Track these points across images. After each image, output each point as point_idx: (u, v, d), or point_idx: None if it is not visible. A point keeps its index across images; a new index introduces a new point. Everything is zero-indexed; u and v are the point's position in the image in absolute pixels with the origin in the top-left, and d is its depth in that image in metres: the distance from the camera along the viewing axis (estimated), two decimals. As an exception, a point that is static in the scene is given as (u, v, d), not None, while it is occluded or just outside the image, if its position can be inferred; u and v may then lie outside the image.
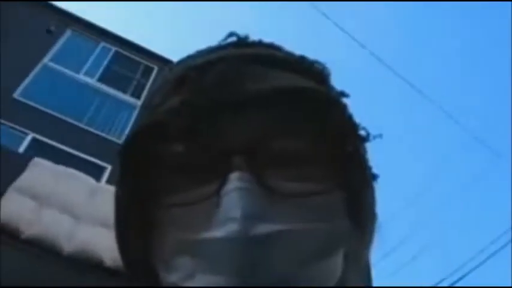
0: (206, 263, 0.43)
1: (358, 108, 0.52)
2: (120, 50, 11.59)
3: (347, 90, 0.55)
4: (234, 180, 0.44)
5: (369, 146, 0.54)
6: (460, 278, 9.21)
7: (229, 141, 0.46)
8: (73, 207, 4.08)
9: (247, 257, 0.41)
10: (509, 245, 9.19)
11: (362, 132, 0.52)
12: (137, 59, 11.65)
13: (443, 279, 9.29)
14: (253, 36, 0.58)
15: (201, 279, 0.43)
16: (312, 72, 0.54)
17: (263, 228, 0.41)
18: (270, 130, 0.47)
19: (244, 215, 0.41)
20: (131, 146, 0.49)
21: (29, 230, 3.64)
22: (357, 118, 0.51)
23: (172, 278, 0.46)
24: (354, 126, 0.50)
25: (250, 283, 0.41)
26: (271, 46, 0.57)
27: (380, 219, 0.54)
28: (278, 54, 0.54)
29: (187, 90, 0.48)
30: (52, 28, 10.70)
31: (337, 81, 0.57)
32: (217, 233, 0.42)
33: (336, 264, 0.47)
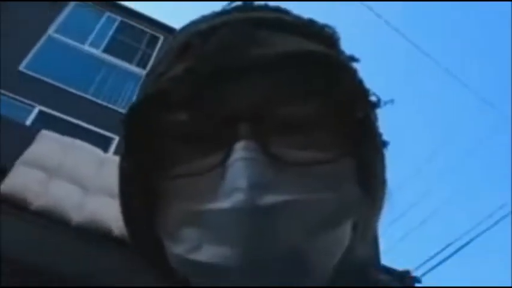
0: (212, 234, 0.43)
1: (366, 74, 0.50)
2: (125, 20, 11.51)
3: (356, 55, 0.53)
4: (239, 150, 0.43)
5: (378, 112, 0.53)
6: (467, 243, 9.26)
7: (233, 107, 0.45)
8: (81, 179, 4.11)
9: (253, 227, 0.40)
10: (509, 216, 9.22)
11: (373, 98, 0.51)
12: (143, 28, 11.58)
13: (449, 244, 9.35)
14: (259, 0, 0.56)
15: (207, 250, 0.43)
16: (321, 36, 0.52)
17: (269, 199, 0.41)
18: (276, 96, 0.46)
19: (250, 185, 0.41)
20: (135, 115, 0.48)
21: (37, 201, 3.67)
22: (367, 83, 0.50)
23: (178, 249, 0.46)
24: (364, 92, 0.49)
25: (257, 254, 0.40)
26: (278, 10, 0.55)
27: (389, 186, 0.53)
28: (285, 18, 0.53)
29: (191, 57, 0.47)
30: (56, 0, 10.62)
31: (346, 46, 0.55)
32: (223, 203, 0.42)
33: (345, 233, 0.46)
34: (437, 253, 9.24)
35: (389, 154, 0.53)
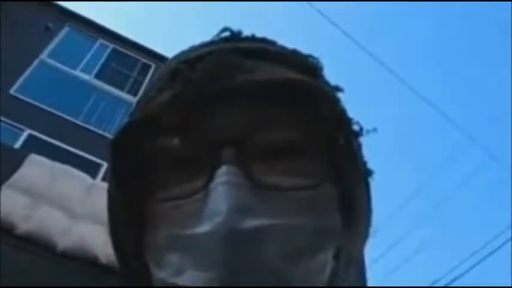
0: (194, 258, 0.43)
1: (354, 105, 0.52)
2: (118, 47, 11.57)
3: (341, 85, 0.55)
4: (222, 175, 0.43)
5: (366, 145, 0.54)
6: (456, 278, 9.22)
7: (218, 133, 0.46)
8: (69, 204, 4.07)
9: (233, 251, 0.40)
10: (509, 243, 9.19)
11: (355, 127, 0.52)
12: (135, 56, 11.63)
13: (438, 280, 9.30)
14: (247, 32, 0.57)
15: (189, 275, 0.43)
16: (305, 66, 0.54)
17: (250, 223, 0.41)
18: (260, 122, 0.47)
19: (230, 209, 0.41)
20: (122, 140, 0.48)
21: (24, 225, 3.63)
22: (353, 114, 0.51)
23: (162, 274, 0.46)
24: (346, 120, 0.50)
25: (236, 277, 0.40)
26: (263, 40, 0.57)
27: (378, 218, 0.53)
28: (270, 48, 0.54)
29: (178, 83, 0.48)
30: (50, 24, 10.67)
31: (331, 77, 0.56)
32: (204, 227, 0.42)
33: (326, 260, 0.47)
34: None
35: (376, 186, 0.53)
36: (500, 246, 9.26)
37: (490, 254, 9.32)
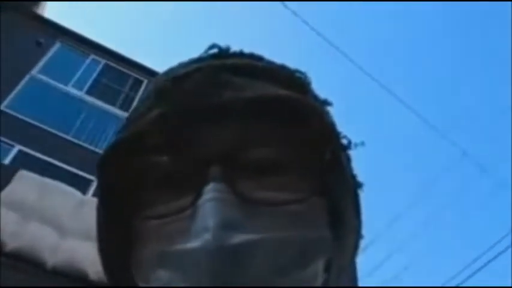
0: (182, 274, 0.43)
1: (344, 118, 0.52)
2: (110, 63, 11.59)
3: (330, 99, 0.55)
4: (209, 191, 0.43)
5: (358, 157, 0.54)
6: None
7: (206, 150, 0.46)
8: (58, 220, 4.04)
9: (221, 267, 0.40)
10: (509, 251, 9.22)
11: (343, 141, 0.52)
12: (127, 71, 11.65)
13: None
14: (236, 48, 0.58)
15: None
16: (292, 81, 0.54)
17: (238, 238, 0.41)
18: (248, 139, 0.47)
19: (218, 225, 0.41)
20: (110, 158, 0.48)
21: (12, 242, 3.59)
22: (343, 128, 0.51)
23: None
24: (333, 134, 0.50)
25: None
26: (251, 56, 0.57)
27: (371, 231, 0.53)
28: (257, 64, 0.54)
29: (165, 102, 0.48)
30: (41, 40, 10.68)
31: (320, 90, 0.57)
32: (192, 244, 0.42)
33: (316, 272, 0.47)
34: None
35: (367, 199, 0.54)
36: (498, 254, 9.30)
37: (487, 263, 9.35)
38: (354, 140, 0.54)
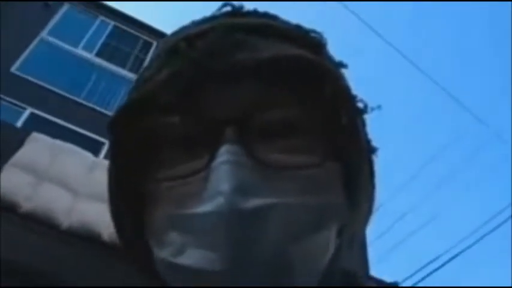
0: (195, 237, 0.43)
1: (359, 82, 0.51)
2: (119, 25, 11.51)
3: (345, 62, 0.54)
4: (224, 154, 0.43)
5: (372, 121, 0.53)
6: (457, 254, 9.28)
7: (219, 112, 0.45)
8: (71, 182, 4.08)
9: (236, 231, 0.40)
10: (509, 221, 9.24)
11: (359, 104, 0.51)
12: (136, 33, 11.58)
13: (440, 255, 9.36)
14: (249, 6, 0.56)
15: (190, 254, 0.43)
16: (308, 42, 0.52)
17: (252, 202, 0.41)
18: (262, 100, 0.46)
19: (232, 189, 0.41)
20: (121, 119, 0.48)
21: (26, 204, 3.64)
22: (357, 91, 0.50)
23: (163, 253, 0.46)
24: (349, 97, 0.49)
25: (240, 257, 0.40)
26: (265, 15, 0.55)
27: (380, 196, 0.53)
28: (272, 23, 0.53)
29: (178, 61, 0.47)
30: (49, 2, 10.59)
31: (336, 53, 0.55)
32: (206, 207, 0.42)
33: (329, 238, 0.46)
34: (430, 262, 9.25)
35: (380, 162, 0.53)
36: (499, 225, 9.33)
37: (490, 232, 9.38)
38: (369, 104, 0.53)
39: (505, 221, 9.31)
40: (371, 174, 0.53)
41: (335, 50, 0.55)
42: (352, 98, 0.50)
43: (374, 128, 0.54)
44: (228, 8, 0.55)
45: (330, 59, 0.54)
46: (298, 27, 0.55)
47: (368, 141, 0.53)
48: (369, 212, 0.54)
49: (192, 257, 0.42)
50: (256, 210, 0.41)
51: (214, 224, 0.41)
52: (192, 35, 0.50)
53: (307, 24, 0.55)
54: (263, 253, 0.40)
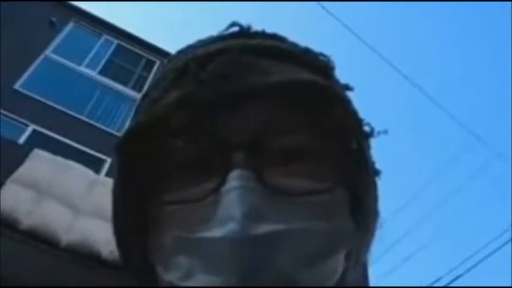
0: (204, 262, 0.42)
1: (360, 103, 0.51)
2: (122, 43, 11.56)
3: (351, 84, 0.54)
4: (234, 179, 0.43)
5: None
6: (457, 278, 9.20)
7: (229, 136, 0.45)
8: (72, 199, 4.08)
9: (247, 257, 0.40)
10: (509, 244, 9.17)
11: (366, 128, 0.51)
12: (139, 52, 11.63)
13: (440, 278, 9.28)
14: (256, 27, 0.56)
15: (199, 279, 0.42)
16: (317, 65, 0.52)
17: (263, 228, 0.40)
18: (272, 125, 0.46)
19: (244, 215, 0.41)
20: (129, 141, 0.47)
21: (27, 220, 3.64)
22: (360, 113, 0.50)
23: (170, 276, 0.45)
24: (358, 122, 0.49)
25: (248, 283, 0.40)
26: (274, 37, 0.55)
27: (381, 216, 0.53)
28: (281, 46, 0.53)
29: (187, 83, 0.47)
30: (54, 20, 10.67)
31: (340, 75, 0.55)
32: (217, 232, 0.41)
33: (338, 263, 0.46)
34: (433, 283, 9.15)
35: (381, 183, 0.53)
36: (500, 247, 9.25)
37: (491, 254, 9.30)
38: (375, 127, 0.53)
39: (506, 243, 9.24)
40: (377, 198, 0.53)
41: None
42: (359, 123, 0.50)
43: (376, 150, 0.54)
44: (236, 28, 0.55)
45: (337, 82, 0.54)
46: (306, 50, 0.55)
47: (373, 165, 0.53)
48: (373, 236, 0.54)
49: (200, 282, 0.42)
50: (267, 236, 0.40)
51: (225, 249, 0.40)
52: (202, 56, 0.49)
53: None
54: (271, 279, 0.40)
